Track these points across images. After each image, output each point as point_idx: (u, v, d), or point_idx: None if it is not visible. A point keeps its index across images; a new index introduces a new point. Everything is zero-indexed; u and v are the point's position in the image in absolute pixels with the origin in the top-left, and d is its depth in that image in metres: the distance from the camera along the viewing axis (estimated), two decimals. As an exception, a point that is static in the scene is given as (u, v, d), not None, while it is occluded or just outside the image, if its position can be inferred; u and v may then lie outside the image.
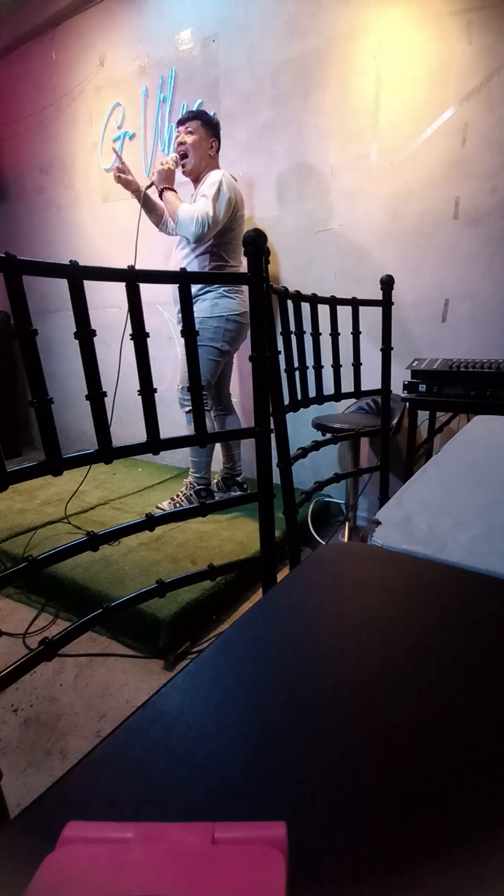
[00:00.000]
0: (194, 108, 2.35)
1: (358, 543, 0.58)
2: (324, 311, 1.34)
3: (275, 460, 1.16)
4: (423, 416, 1.93)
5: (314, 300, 1.32)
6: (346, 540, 2.05)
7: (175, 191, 1.92)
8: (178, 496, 2.13)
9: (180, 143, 1.92)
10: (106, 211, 2.80)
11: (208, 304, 1.94)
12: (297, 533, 1.36)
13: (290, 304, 1.24)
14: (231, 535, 1.87)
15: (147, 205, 2.00)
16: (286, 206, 2.21)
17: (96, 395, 0.81)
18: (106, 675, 1.33)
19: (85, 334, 0.78)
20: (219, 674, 0.36)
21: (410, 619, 0.42)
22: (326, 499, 2.28)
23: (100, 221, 2.85)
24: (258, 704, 0.33)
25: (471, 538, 0.55)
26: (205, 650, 0.39)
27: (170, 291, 2.12)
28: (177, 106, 2.42)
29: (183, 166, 1.95)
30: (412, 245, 1.93)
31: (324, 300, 1.34)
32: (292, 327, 1.26)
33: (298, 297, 1.27)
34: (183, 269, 0.93)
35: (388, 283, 1.53)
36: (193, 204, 1.84)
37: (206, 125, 1.92)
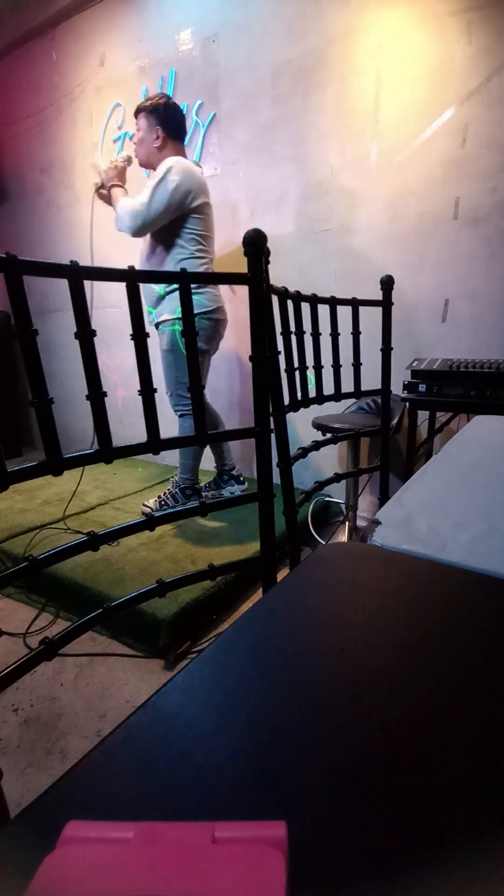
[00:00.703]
0: (192, 111, 2.35)
1: (358, 543, 0.58)
2: (324, 311, 1.34)
3: (275, 460, 1.16)
4: (423, 416, 1.93)
5: (314, 300, 1.32)
6: (346, 540, 2.05)
7: (123, 188, 1.87)
8: (163, 494, 2.11)
9: (134, 143, 1.90)
10: (106, 211, 2.80)
11: (176, 304, 1.86)
12: (297, 533, 1.36)
13: (290, 304, 1.24)
14: (231, 535, 1.87)
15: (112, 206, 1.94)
16: (286, 206, 2.21)
17: (96, 395, 0.81)
18: (106, 675, 1.33)
19: (85, 334, 0.78)
20: (219, 674, 0.36)
21: (410, 619, 0.42)
22: (326, 499, 2.28)
23: (100, 222, 2.85)
24: (258, 704, 0.33)
25: (471, 538, 0.55)
26: (205, 650, 0.39)
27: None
28: (177, 106, 2.42)
29: (132, 159, 1.92)
30: (412, 245, 1.93)
31: (324, 300, 1.34)
32: (292, 327, 1.26)
33: (298, 297, 1.27)
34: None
35: (388, 284, 1.53)
36: (132, 199, 1.78)
37: (148, 115, 1.83)
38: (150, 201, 1.74)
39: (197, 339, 2.01)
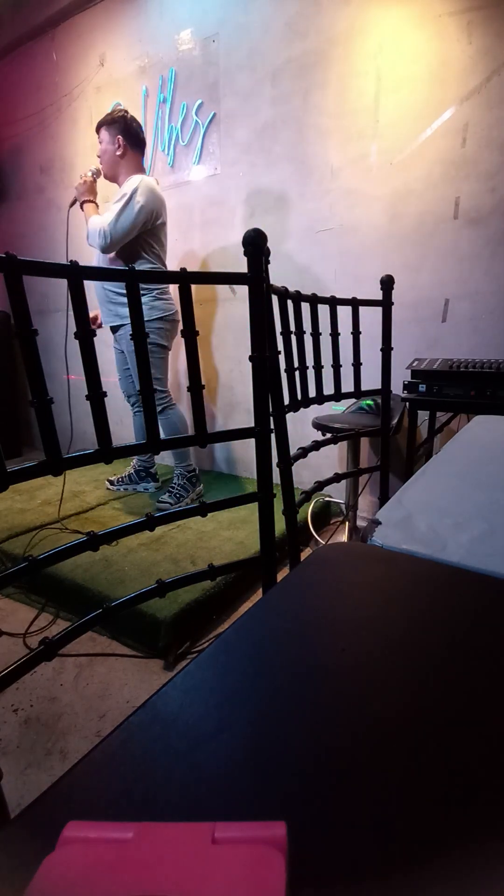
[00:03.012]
0: (192, 111, 2.36)
1: (358, 543, 0.58)
2: (324, 311, 1.34)
3: (275, 460, 1.16)
4: (423, 416, 1.93)
5: (314, 300, 1.32)
6: (346, 540, 2.05)
7: (95, 203, 1.99)
8: (174, 488, 2.21)
9: (98, 156, 2.00)
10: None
11: (146, 308, 1.99)
12: (297, 533, 1.36)
13: (290, 303, 1.24)
14: (231, 535, 1.87)
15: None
16: (286, 207, 2.21)
17: (96, 395, 0.81)
18: (106, 675, 1.33)
19: (85, 334, 0.78)
20: (219, 674, 0.36)
21: (410, 618, 0.42)
22: (326, 499, 2.28)
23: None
24: (258, 704, 0.33)
25: (471, 538, 0.55)
26: (205, 650, 0.39)
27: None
28: (177, 106, 2.42)
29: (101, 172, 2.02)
30: (412, 245, 1.93)
31: (324, 300, 1.34)
32: (292, 327, 1.26)
33: (298, 297, 1.27)
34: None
35: (387, 283, 1.53)
36: (101, 217, 1.90)
37: (109, 126, 1.95)
38: (116, 221, 1.86)
39: (163, 338, 2.10)
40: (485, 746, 0.29)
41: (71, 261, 0.76)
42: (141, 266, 1.98)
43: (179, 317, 2.29)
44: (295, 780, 0.27)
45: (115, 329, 2.10)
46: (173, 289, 2.12)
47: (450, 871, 0.22)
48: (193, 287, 0.93)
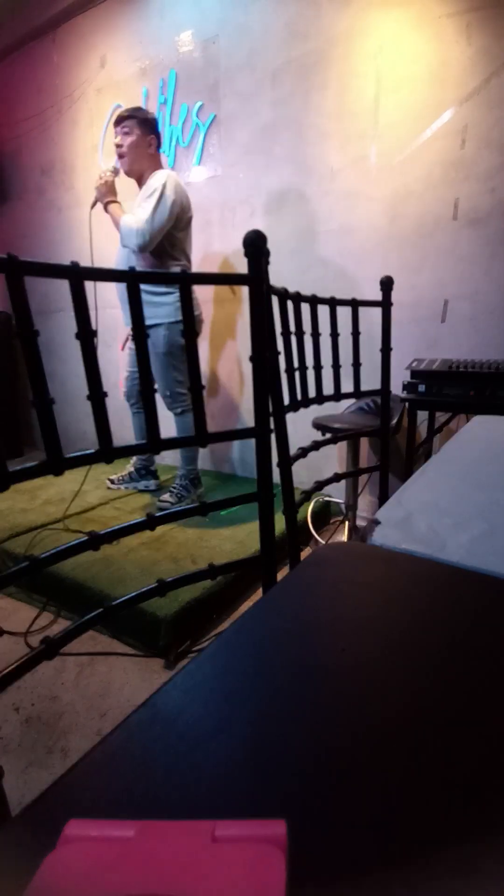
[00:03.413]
0: (192, 113, 2.36)
1: (358, 543, 0.58)
2: (324, 311, 1.34)
3: (275, 460, 1.16)
4: (422, 416, 1.93)
5: (314, 301, 1.32)
6: (346, 540, 2.05)
7: (118, 202, 1.94)
8: (176, 488, 2.20)
9: (117, 146, 1.94)
10: (136, 209, 2.81)
11: (172, 309, 1.94)
12: (297, 533, 1.36)
13: (290, 304, 1.24)
14: (231, 535, 1.87)
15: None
16: (286, 207, 2.21)
17: (97, 395, 0.81)
18: (107, 674, 1.33)
19: (86, 334, 0.78)
20: (219, 673, 0.36)
21: (410, 618, 0.42)
22: (326, 499, 2.28)
23: (100, 223, 2.86)
24: (258, 704, 0.33)
25: (470, 538, 0.55)
26: (205, 649, 0.39)
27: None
28: (177, 108, 2.42)
29: (119, 170, 1.98)
30: (412, 246, 1.93)
31: (324, 301, 1.34)
32: (292, 328, 1.26)
33: (298, 298, 1.27)
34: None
35: (387, 284, 1.53)
36: (134, 215, 1.86)
37: (142, 123, 1.92)
38: (152, 217, 1.81)
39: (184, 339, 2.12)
40: (485, 746, 0.29)
41: (71, 261, 0.76)
42: (171, 265, 1.94)
43: (203, 317, 2.30)
44: (295, 779, 0.27)
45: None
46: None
47: (450, 871, 0.22)
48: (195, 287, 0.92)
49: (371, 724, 0.31)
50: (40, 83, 2.91)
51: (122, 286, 0.83)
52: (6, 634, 1.47)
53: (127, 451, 0.88)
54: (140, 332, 0.88)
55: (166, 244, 1.92)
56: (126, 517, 2.08)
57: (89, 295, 0.77)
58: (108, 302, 2.63)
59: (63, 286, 0.76)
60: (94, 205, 1.98)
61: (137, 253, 1.90)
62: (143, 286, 2.11)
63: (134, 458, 2.44)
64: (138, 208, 1.87)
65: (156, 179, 1.86)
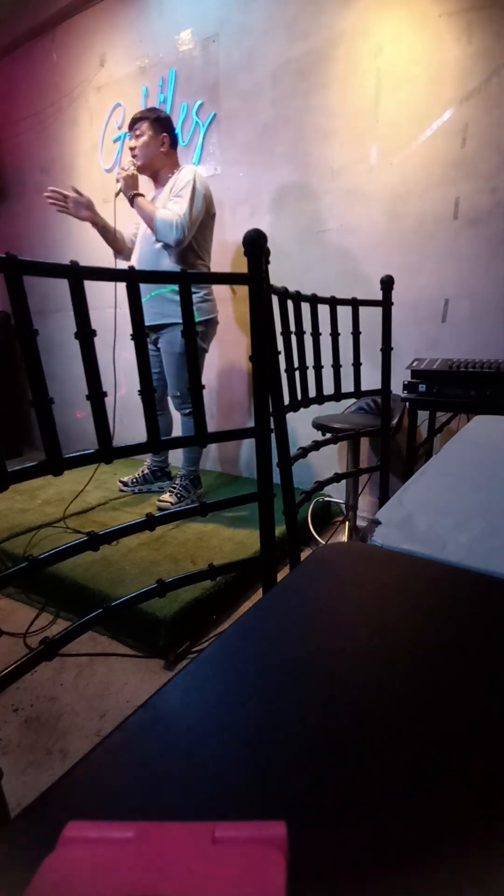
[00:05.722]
0: (192, 112, 2.36)
1: (358, 543, 0.58)
2: (324, 311, 1.34)
3: (275, 460, 1.16)
4: (422, 416, 1.93)
5: (314, 300, 1.32)
6: (346, 540, 2.05)
7: (144, 195, 1.93)
8: (176, 487, 2.18)
9: (131, 149, 1.96)
10: (106, 212, 2.80)
11: (194, 308, 1.93)
12: (297, 533, 1.36)
13: (290, 304, 1.24)
14: (231, 535, 1.87)
15: (105, 228, 2.04)
16: (286, 207, 2.21)
17: (96, 395, 0.81)
18: (106, 675, 1.33)
19: (85, 334, 0.78)
20: (219, 673, 0.36)
21: (410, 619, 0.42)
22: (326, 499, 2.28)
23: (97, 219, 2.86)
24: (258, 704, 0.33)
25: (471, 538, 0.55)
26: (205, 650, 0.39)
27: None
28: (177, 107, 2.42)
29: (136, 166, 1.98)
30: (412, 245, 1.93)
31: (324, 300, 1.34)
32: (292, 327, 1.26)
33: (298, 298, 1.27)
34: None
35: (387, 284, 1.53)
36: (168, 209, 1.85)
37: (154, 123, 1.92)
38: (189, 211, 1.82)
39: (206, 342, 2.07)
40: (485, 746, 0.29)
41: (71, 261, 0.76)
42: (197, 264, 1.94)
43: (218, 319, 2.26)
44: (295, 780, 0.27)
45: (162, 328, 2.01)
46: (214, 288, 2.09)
47: (450, 871, 0.22)
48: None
49: (371, 725, 0.31)
50: (40, 82, 2.91)
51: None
52: (5, 635, 1.47)
53: (126, 452, 0.88)
54: (140, 332, 0.88)
55: (193, 242, 1.92)
56: (126, 517, 2.08)
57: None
58: (109, 302, 2.64)
59: (63, 286, 0.76)
60: (117, 194, 1.96)
61: (173, 248, 1.89)
62: (167, 284, 2.07)
63: (148, 460, 2.39)
64: (170, 202, 1.86)
65: (184, 174, 1.87)
